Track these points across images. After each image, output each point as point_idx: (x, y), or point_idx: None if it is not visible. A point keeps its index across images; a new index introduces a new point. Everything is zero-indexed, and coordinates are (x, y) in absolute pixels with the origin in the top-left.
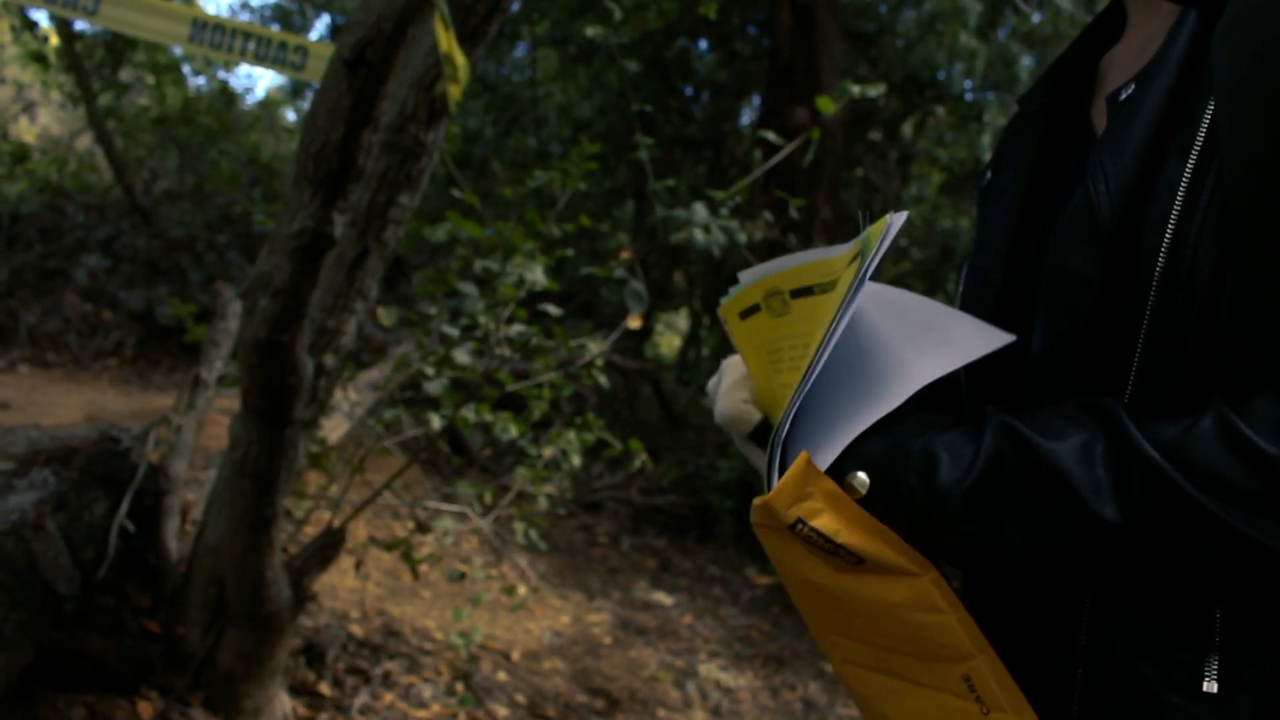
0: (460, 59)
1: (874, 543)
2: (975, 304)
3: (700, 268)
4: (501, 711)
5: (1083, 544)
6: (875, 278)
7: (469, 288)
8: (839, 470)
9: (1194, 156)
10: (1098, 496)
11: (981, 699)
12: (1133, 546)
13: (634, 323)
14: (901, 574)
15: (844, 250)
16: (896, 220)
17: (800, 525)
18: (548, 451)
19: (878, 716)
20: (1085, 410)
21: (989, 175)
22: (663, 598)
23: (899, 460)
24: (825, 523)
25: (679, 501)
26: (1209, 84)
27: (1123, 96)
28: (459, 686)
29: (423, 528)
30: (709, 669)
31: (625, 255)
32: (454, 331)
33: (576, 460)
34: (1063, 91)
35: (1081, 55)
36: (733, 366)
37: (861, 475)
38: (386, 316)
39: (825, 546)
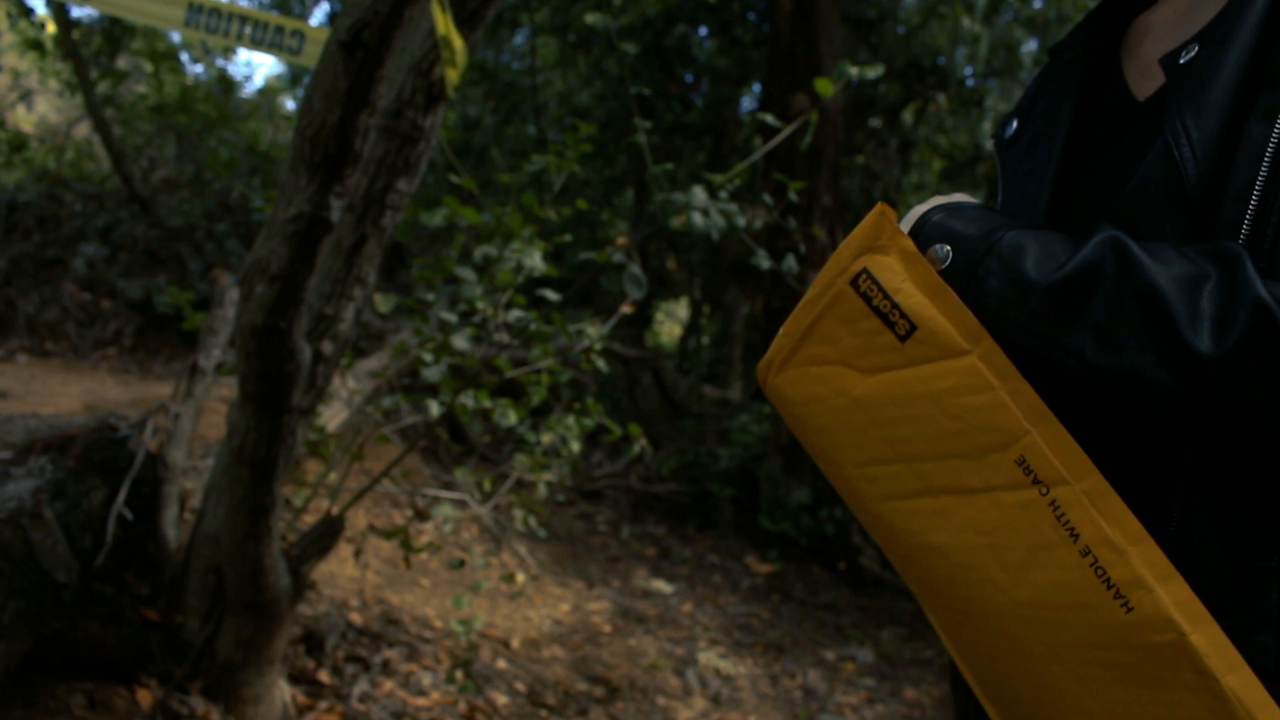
0: (458, 42)
1: (930, 308)
2: None
3: (700, 255)
4: (501, 699)
5: (1164, 371)
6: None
7: (467, 273)
8: (920, 241)
9: None
10: (1194, 326)
11: (1040, 479)
12: (1217, 383)
13: (628, 307)
14: (951, 355)
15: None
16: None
17: (864, 276)
18: (547, 438)
19: (926, 549)
20: (1207, 253)
21: (1015, 124)
22: (662, 586)
23: (984, 242)
24: (889, 278)
25: (679, 489)
26: None
27: (1184, 59)
28: (459, 674)
29: (422, 515)
30: (709, 657)
31: (622, 241)
32: (452, 318)
33: (576, 447)
34: (1095, 46)
35: (1113, 12)
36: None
37: (945, 247)
38: (384, 303)
39: (880, 307)
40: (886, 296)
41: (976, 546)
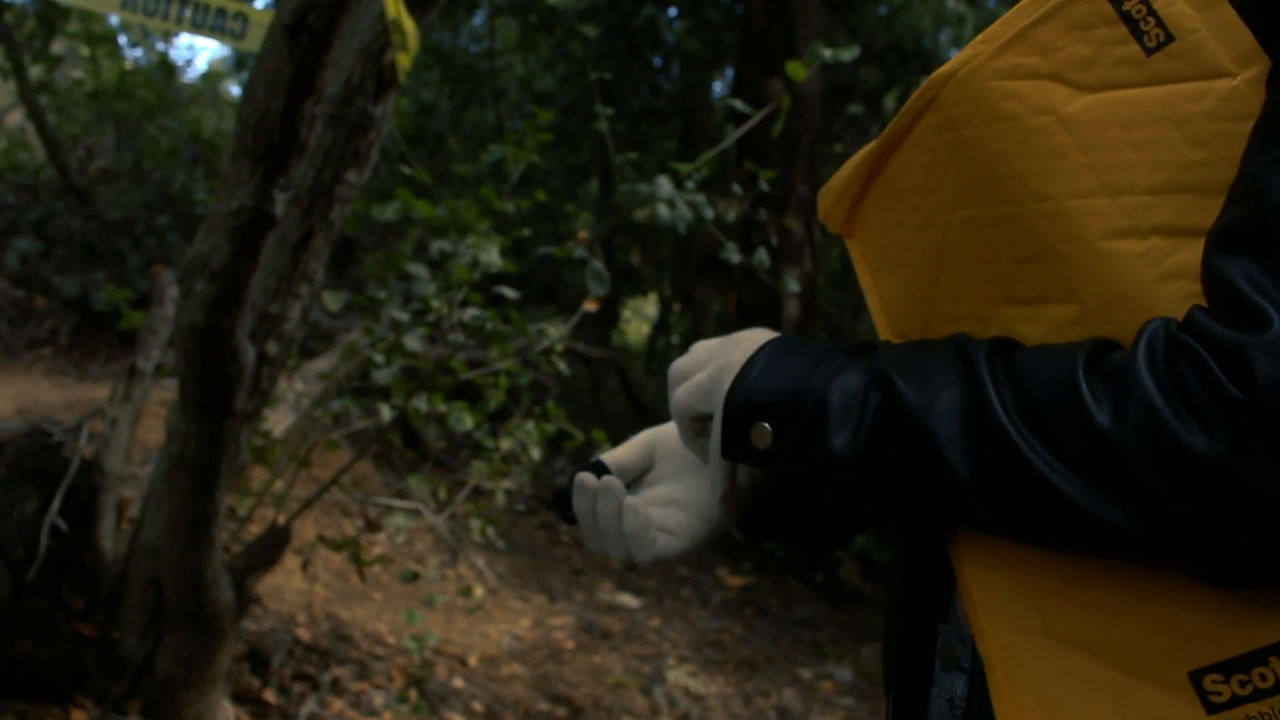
0: (409, 26)
1: (1196, 20)
2: None
3: (669, 249)
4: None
5: (948, 502)
6: None
7: (421, 270)
8: (742, 418)
9: None
10: (957, 452)
11: None
12: (983, 508)
13: (591, 305)
14: (1210, 75)
15: None
16: None
17: None
18: (506, 444)
19: (1115, 299)
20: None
21: None
22: (629, 600)
23: (797, 412)
24: None
25: None
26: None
27: None
28: (412, 693)
29: (373, 526)
30: (677, 675)
31: (584, 235)
32: (405, 316)
33: (536, 453)
34: None
35: None
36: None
37: (766, 426)
38: (333, 301)
39: (1132, 11)
40: (1143, 0)
41: (1191, 295)
